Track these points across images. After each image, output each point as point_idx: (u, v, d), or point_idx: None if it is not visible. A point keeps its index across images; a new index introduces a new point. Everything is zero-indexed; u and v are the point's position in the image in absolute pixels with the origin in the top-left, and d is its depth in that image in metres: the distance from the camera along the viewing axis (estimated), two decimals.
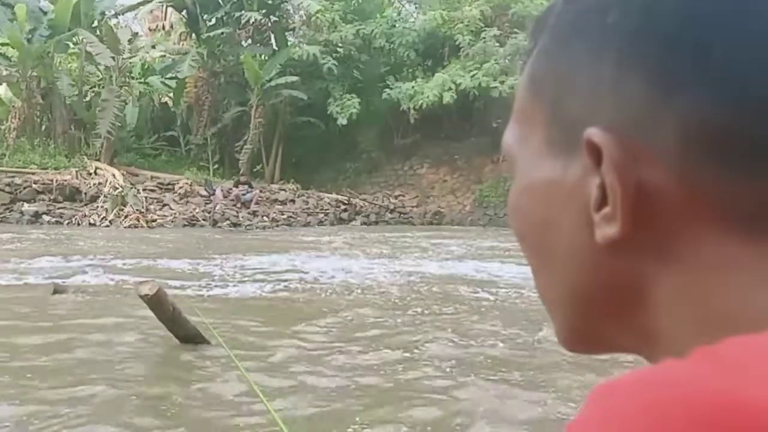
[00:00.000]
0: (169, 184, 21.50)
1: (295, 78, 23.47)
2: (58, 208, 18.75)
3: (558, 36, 0.43)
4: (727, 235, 0.37)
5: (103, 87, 22.39)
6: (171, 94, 25.95)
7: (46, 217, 18.14)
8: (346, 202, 23.24)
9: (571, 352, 0.47)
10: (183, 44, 26.58)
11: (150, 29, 29.74)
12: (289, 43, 25.51)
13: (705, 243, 0.37)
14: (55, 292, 7.67)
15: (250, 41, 25.26)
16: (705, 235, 0.37)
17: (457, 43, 23.40)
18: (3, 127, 21.77)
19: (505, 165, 0.49)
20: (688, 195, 0.37)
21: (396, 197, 24.92)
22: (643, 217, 0.38)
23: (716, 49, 0.37)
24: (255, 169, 24.70)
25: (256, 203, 21.30)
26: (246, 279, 9.58)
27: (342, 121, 23.68)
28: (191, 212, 19.72)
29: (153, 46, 25.06)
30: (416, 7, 28.14)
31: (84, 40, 21.57)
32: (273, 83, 23.56)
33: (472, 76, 22.38)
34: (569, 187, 0.41)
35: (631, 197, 0.38)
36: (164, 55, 25.15)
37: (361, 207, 23.27)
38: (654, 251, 0.38)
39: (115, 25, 24.40)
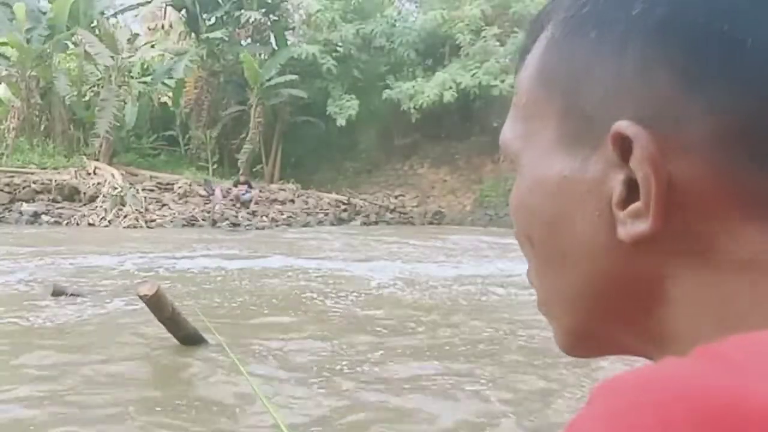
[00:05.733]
0: (168, 184, 21.44)
1: (294, 76, 23.42)
2: (57, 208, 18.68)
3: (574, 27, 0.42)
4: (754, 231, 0.36)
5: (102, 87, 22.33)
6: (170, 94, 25.90)
7: (45, 217, 18.08)
8: (345, 201, 23.18)
9: (570, 356, 0.46)
10: (182, 44, 26.51)
11: (149, 29, 29.68)
12: (288, 43, 25.47)
13: (732, 239, 0.37)
14: (54, 292, 7.61)
15: (249, 40, 25.22)
16: (732, 231, 0.37)
17: (457, 42, 23.36)
18: (2, 127, 21.70)
19: (505, 164, 0.46)
20: (717, 190, 0.37)
21: (396, 197, 24.86)
22: (672, 212, 0.37)
23: (746, 40, 0.36)
24: (254, 169, 24.65)
25: (256, 203, 21.25)
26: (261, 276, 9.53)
27: (341, 121, 23.64)
28: (190, 212, 19.67)
29: (152, 46, 24.97)
30: (416, 7, 28.10)
31: (83, 39, 21.51)
32: (272, 82, 23.52)
33: (472, 76, 22.35)
34: (587, 183, 0.40)
35: (665, 192, 0.37)
36: (163, 55, 25.07)
37: (361, 207, 23.20)
38: (679, 247, 0.38)
39: (114, 24, 24.34)
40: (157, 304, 5.50)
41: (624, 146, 0.38)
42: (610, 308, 0.41)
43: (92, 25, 22.83)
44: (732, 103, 0.36)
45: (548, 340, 6.08)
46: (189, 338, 5.67)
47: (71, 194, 19.43)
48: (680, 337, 0.38)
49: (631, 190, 0.38)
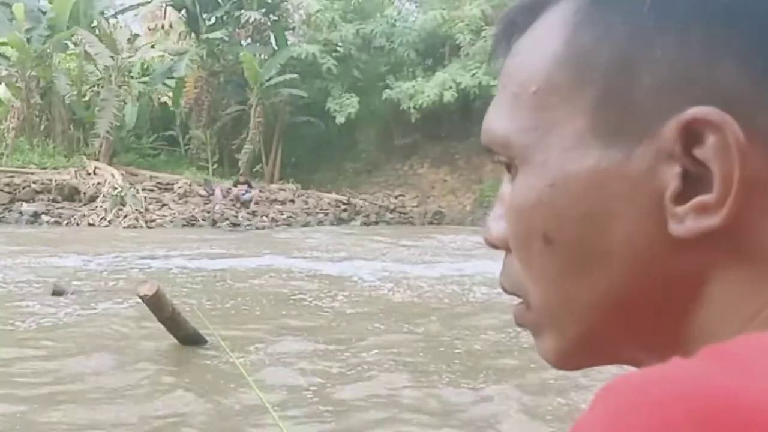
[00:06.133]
0: (168, 183, 21.43)
1: (294, 76, 23.41)
2: (57, 208, 18.67)
3: (618, 7, 0.38)
4: None
5: (102, 87, 22.32)
6: (170, 94, 25.89)
7: (45, 217, 18.08)
8: (345, 201, 23.17)
9: (556, 368, 0.43)
10: (182, 44, 26.50)
11: (149, 29, 29.66)
12: (288, 43, 25.45)
13: None
14: (54, 293, 7.61)
15: (249, 40, 25.20)
16: None
17: (457, 42, 23.35)
18: (2, 127, 21.68)
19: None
20: None
21: (396, 197, 24.84)
22: (740, 206, 0.35)
23: None
24: (254, 169, 24.64)
25: (256, 203, 21.24)
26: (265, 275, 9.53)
27: (340, 119, 23.61)
28: (190, 212, 19.66)
29: (152, 46, 24.95)
30: (416, 7, 28.09)
31: (83, 39, 21.50)
32: (272, 82, 23.51)
33: (472, 75, 22.34)
34: (632, 176, 0.37)
35: (744, 184, 0.34)
36: (163, 55, 25.06)
37: (361, 207, 23.18)
38: (731, 244, 0.36)
39: (114, 24, 24.33)
40: (157, 304, 5.50)
41: (690, 135, 0.35)
42: (631, 315, 0.39)
43: (92, 25, 22.81)
44: None
45: None
46: (189, 338, 5.68)
47: (71, 194, 19.42)
48: (704, 341, 0.36)
49: (687, 183, 0.36)
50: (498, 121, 0.42)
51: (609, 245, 0.38)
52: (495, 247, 0.45)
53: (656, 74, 0.36)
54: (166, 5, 26.52)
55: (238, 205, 20.92)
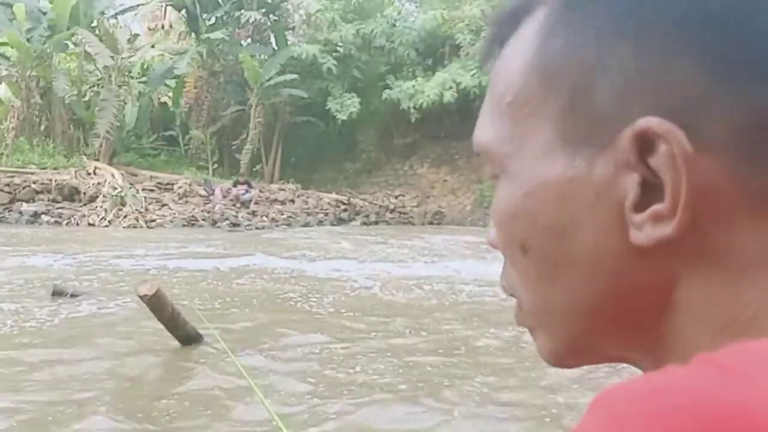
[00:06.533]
0: (168, 183, 21.43)
1: (294, 76, 23.41)
2: (57, 208, 18.68)
3: (580, 19, 0.38)
4: (764, 235, 0.35)
5: (102, 87, 22.32)
6: (170, 94, 25.89)
7: (45, 217, 18.08)
8: (345, 201, 23.17)
9: (555, 367, 0.44)
10: (182, 44, 26.51)
11: (149, 29, 29.65)
12: (288, 43, 25.45)
13: (742, 242, 0.35)
14: (54, 293, 7.61)
15: (249, 40, 25.21)
16: (744, 234, 0.35)
17: (457, 42, 23.36)
18: (2, 127, 21.70)
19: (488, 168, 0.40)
20: (734, 191, 0.35)
21: (396, 197, 24.85)
22: (694, 214, 0.35)
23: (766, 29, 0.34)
24: (254, 169, 24.65)
25: (256, 203, 21.24)
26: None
27: (342, 116, 23.59)
28: (190, 212, 19.66)
29: (152, 46, 24.95)
30: (416, 6, 28.09)
31: (83, 39, 21.51)
32: (272, 82, 23.51)
33: (472, 76, 22.35)
34: (595, 185, 0.37)
35: (693, 192, 0.34)
36: (163, 55, 25.07)
37: (361, 207, 23.19)
38: (693, 252, 0.36)
39: (114, 24, 24.32)
40: (157, 304, 5.50)
41: (644, 145, 0.35)
42: (609, 319, 0.39)
43: (92, 25, 22.80)
44: (759, 100, 0.34)
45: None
46: (188, 338, 5.68)
47: (71, 194, 19.43)
48: (680, 343, 0.36)
49: (646, 192, 0.36)
50: (482, 131, 0.43)
51: (578, 253, 0.38)
52: (496, 248, 0.46)
53: (614, 83, 0.36)
54: (166, 5, 26.53)
55: (238, 205, 20.92)
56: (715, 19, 0.35)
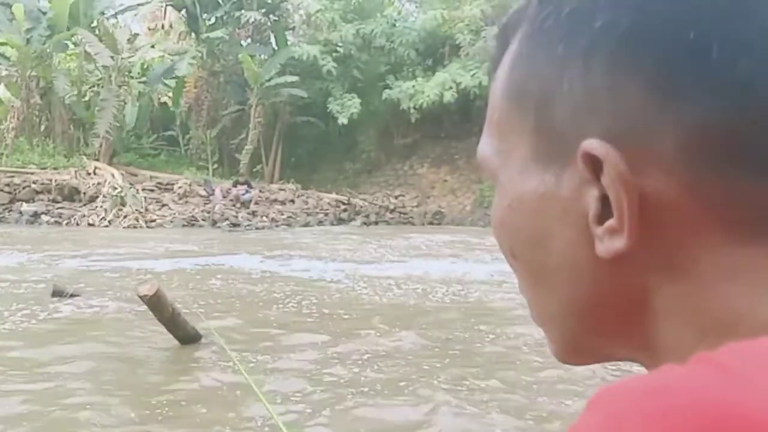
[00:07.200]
0: (168, 184, 21.43)
1: (294, 77, 23.41)
2: (57, 208, 18.68)
3: (539, 42, 0.40)
4: (730, 243, 0.36)
5: (102, 87, 22.32)
6: (170, 94, 25.89)
7: (45, 217, 18.08)
8: (345, 202, 23.16)
9: (565, 364, 0.46)
10: (182, 44, 26.51)
11: (149, 29, 29.65)
12: (288, 43, 25.45)
13: (709, 251, 0.36)
14: (54, 293, 7.60)
15: (249, 41, 25.21)
16: (709, 243, 0.36)
17: (457, 42, 23.36)
18: (2, 127, 21.69)
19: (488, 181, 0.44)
20: (692, 203, 0.36)
21: (396, 197, 24.85)
22: (648, 227, 0.36)
23: (715, 50, 0.35)
24: (254, 169, 24.65)
25: (256, 203, 21.24)
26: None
27: (343, 120, 23.60)
28: (190, 212, 19.66)
29: (152, 46, 24.95)
30: (416, 7, 28.09)
31: (83, 39, 21.51)
32: (272, 83, 23.51)
33: (472, 76, 22.35)
34: (563, 200, 0.39)
35: (637, 209, 0.36)
36: (163, 55, 25.07)
37: (361, 207, 23.18)
38: (658, 261, 0.37)
39: (114, 24, 24.32)
40: (157, 304, 5.50)
41: (595, 164, 0.37)
42: (598, 321, 0.40)
43: (92, 25, 22.81)
44: (704, 116, 0.35)
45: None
46: (188, 338, 5.68)
47: (71, 194, 19.43)
48: (668, 345, 0.37)
49: (607, 205, 0.37)
50: (482, 145, 0.46)
51: (555, 263, 0.40)
52: None
53: (568, 104, 0.38)
54: (166, 5, 26.53)
55: (238, 205, 20.92)
56: (656, 35, 0.36)
